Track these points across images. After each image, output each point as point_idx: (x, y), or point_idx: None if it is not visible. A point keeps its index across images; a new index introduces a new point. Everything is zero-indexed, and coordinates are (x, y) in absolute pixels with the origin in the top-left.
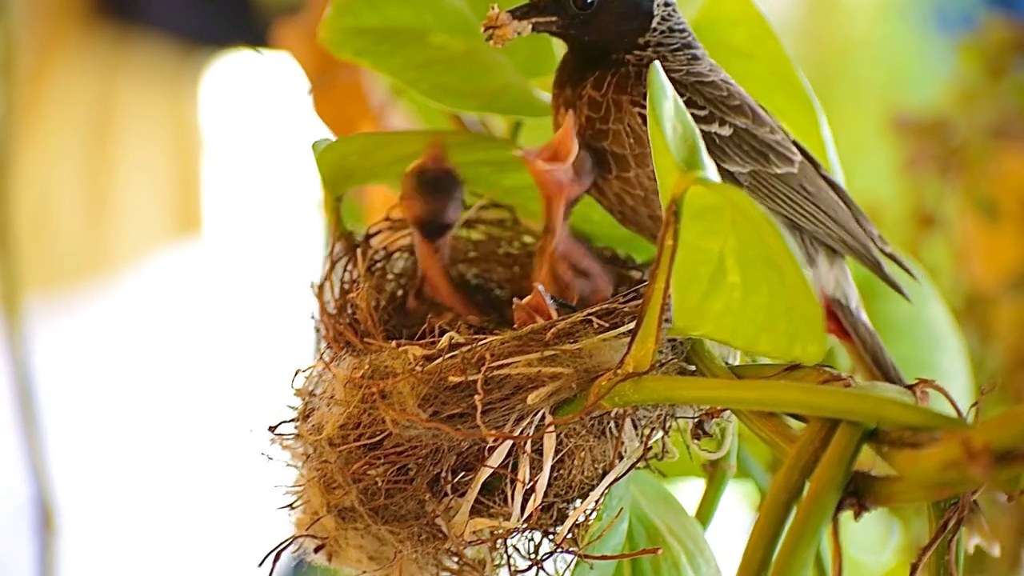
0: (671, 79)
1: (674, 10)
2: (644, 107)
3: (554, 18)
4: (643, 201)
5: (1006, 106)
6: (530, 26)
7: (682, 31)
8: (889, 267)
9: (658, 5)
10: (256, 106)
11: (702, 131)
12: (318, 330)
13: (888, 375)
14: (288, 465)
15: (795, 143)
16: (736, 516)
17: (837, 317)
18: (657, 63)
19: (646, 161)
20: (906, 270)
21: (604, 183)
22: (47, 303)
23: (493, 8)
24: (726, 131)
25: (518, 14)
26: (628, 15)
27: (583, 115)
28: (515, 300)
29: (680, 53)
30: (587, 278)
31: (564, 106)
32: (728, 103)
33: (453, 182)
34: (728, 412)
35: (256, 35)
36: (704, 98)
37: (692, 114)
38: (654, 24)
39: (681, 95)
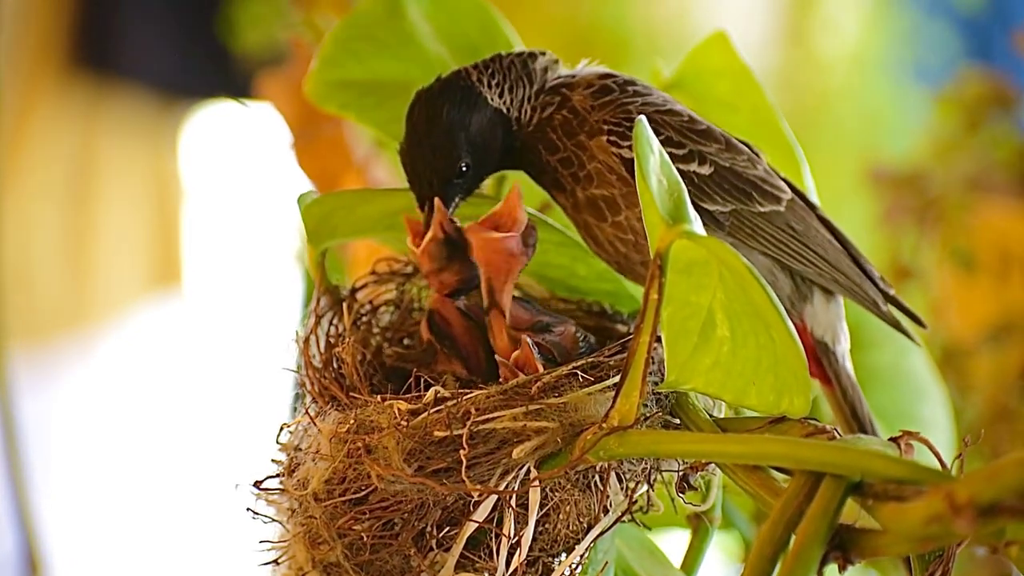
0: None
1: (528, 74)
2: (609, 138)
3: (459, 195)
4: (633, 247)
5: (983, 158)
6: (452, 210)
7: (582, 77)
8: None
9: (487, 81)
10: (236, 159)
11: (680, 171)
12: (302, 384)
13: (864, 429)
14: (273, 520)
15: (786, 181)
16: (721, 567)
17: (821, 362)
18: (642, 117)
19: (634, 200)
20: (909, 312)
21: (599, 231)
22: (28, 356)
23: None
24: (706, 170)
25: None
26: (489, 125)
27: (566, 177)
28: (498, 358)
29: (605, 91)
30: (549, 331)
31: (549, 186)
32: (694, 128)
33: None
34: (713, 465)
35: (236, 87)
36: (675, 131)
37: (671, 153)
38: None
39: (658, 133)
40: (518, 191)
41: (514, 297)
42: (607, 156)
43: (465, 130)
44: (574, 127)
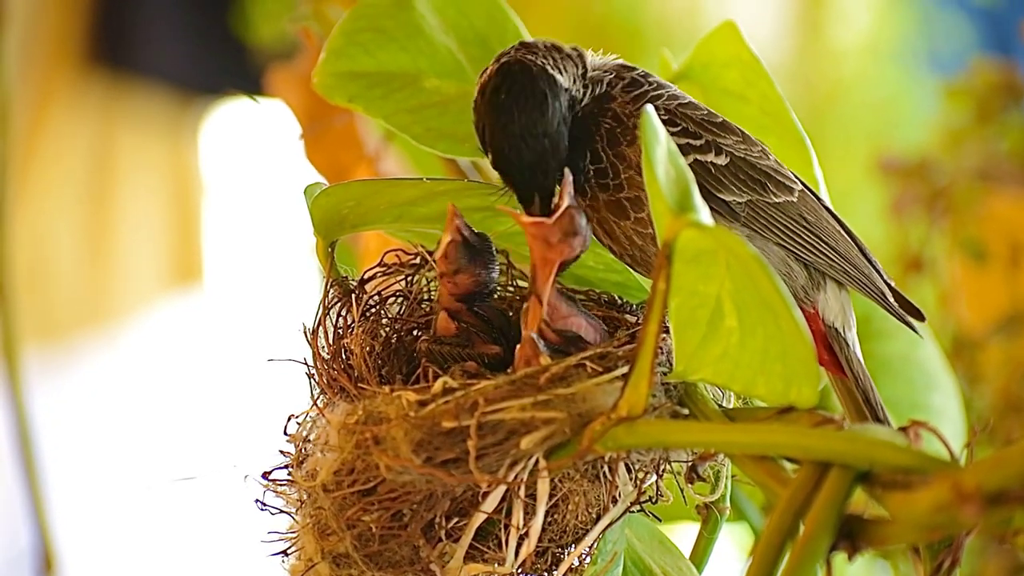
0: (658, 108)
1: (575, 58)
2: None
3: None
4: (651, 239)
5: (993, 148)
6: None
7: (609, 69)
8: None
9: (558, 79)
10: (255, 154)
11: (698, 160)
12: (311, 376)
13: (876, 415)
14: (282, 511)
15: (794, 175)
16: (731, 558)
17: (833, 350)
18: (649, 107)
19: None
20: (911, 305)
21: (616, 227)
22: (46, 353)
23: None
24: (722, 160)
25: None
26: (553, 139)
27: (594, 186)
28: (524, 337)
29: (636, 85)
30: (576, 345)
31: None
32: (712, 121)
33: (490, 244)
34: (722, 455)
35: (252, 82)
36: (694, 123)
37: (688, 144)
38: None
39: (675, 124)
40: (569, 180)
41: (560, 291)
42: (640, 159)
43: (565, 122)
44: (617, 136)
